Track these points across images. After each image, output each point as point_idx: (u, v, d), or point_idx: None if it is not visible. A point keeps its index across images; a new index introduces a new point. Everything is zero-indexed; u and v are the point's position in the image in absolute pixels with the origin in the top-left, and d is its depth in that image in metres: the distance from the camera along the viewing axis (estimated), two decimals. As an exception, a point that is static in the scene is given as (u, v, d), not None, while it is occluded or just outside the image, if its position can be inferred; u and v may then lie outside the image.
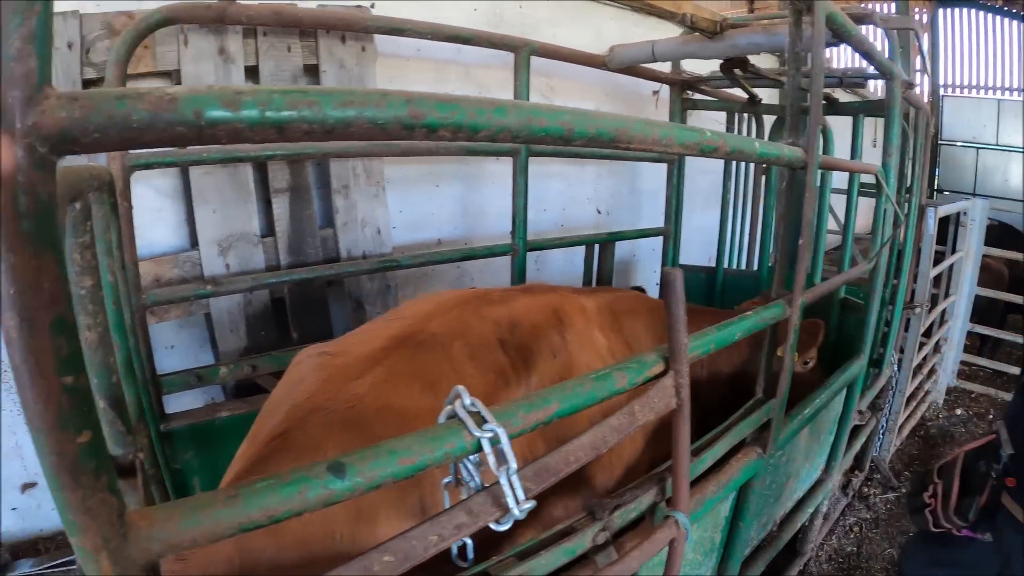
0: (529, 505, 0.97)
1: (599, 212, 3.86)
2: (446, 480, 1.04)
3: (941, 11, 10.60)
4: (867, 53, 1.92)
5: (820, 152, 1.67)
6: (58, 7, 2.21)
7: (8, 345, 0.55)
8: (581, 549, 1.30)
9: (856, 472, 3.46)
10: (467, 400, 0.94)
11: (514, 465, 0.94)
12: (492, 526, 0.98)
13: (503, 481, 0.95)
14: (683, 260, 3.45)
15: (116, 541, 0.65)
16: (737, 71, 2.65)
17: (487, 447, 0.92)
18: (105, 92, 0.58)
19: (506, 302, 1.78)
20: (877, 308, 2.53)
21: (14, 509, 2.59)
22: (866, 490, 3.57)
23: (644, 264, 4.22)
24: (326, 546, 1.19)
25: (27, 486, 2.59)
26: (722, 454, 1.73)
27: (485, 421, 0.93)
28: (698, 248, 3.52)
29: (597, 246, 3.20)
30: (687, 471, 1.37)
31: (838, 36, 1.73)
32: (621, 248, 3.32)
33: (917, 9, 9.66)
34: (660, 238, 3.42)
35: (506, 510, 0.96)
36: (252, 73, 2.47)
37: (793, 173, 1.69)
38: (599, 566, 1.32)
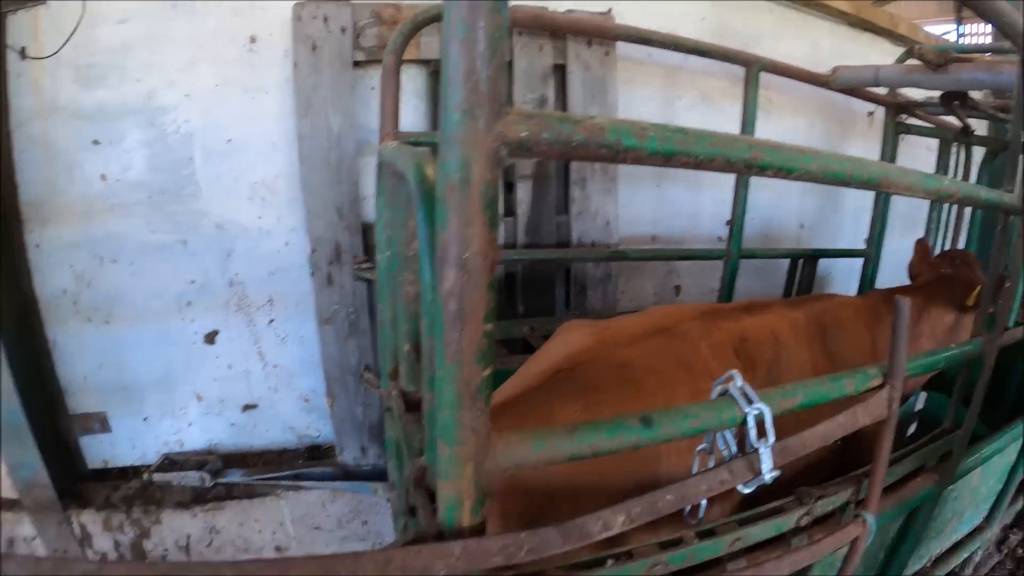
0: (775, 474, 1.24)
1: (801, 227, 4.03)
2: (700, 447, 1.33)
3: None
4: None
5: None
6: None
7: (450, 295, 0.77)
8: (786, 527, 1.52)
9: (1015, 530, 3.44)
10: (739, 383, 1.22)
11: (773, 439, 1.22)
12: (740, 488, 1.24)
13: (763, 451, 1.22)
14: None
15: (483, 455, 0.89)
16: (956, 103, 2.76)
17: (751, 422, 1.19)
18: (551, 115, 0.79)
19: (736, 319, 2.07)
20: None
21: (232, 425, 3.15)
22: (1021, 551, 3.54)
23: (837, 282, 4.34)
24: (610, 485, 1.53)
25: (248, 407, 3.13)
26: (902, 474, 1.91)
27: (751, 401, 1.20)
28: (889, 271, 3.63)
29: (801, 260, 3.44)
30: (883, 476, 1.55)
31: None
32: (819, 264, 3.51)
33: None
34: (852, 258, 3.59)
35: (758, 474, 1.23)
36: (506, 68, 2.78)
37: (1008, 219, 1.80)
38: (791, 547, 1.55)
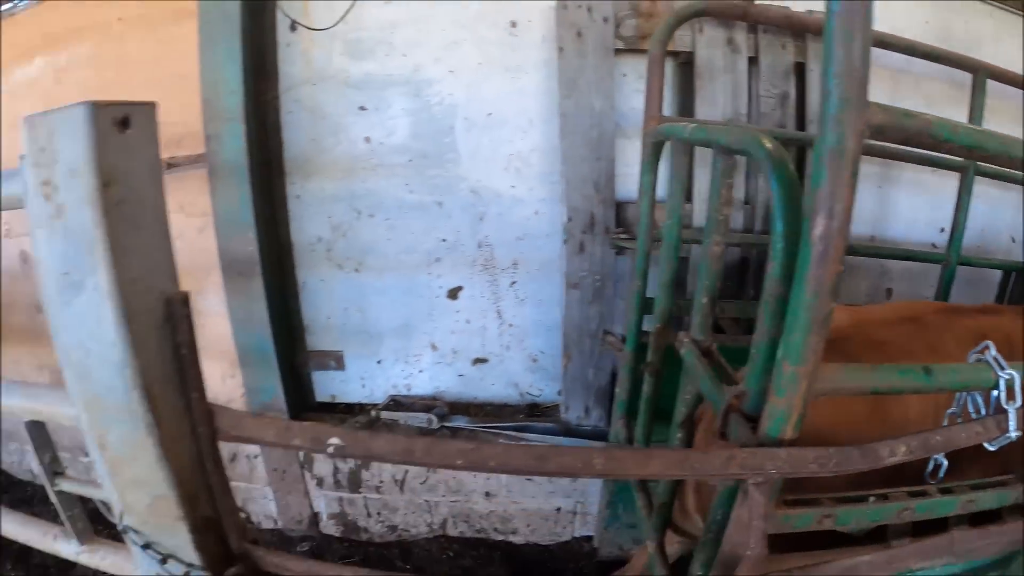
0: (1019, 433, 1.44)
1: (1013, 241, 4.01)
2: (950, 411, 1.56)
3: None
4: None
5: None
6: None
7: (819, 238, 1.02)
8: (1008, 501, 1.69)
9: None
10: (993, 351, 1.43)
11: (1020, 402, 1.42)
12: (987, 445, 1.44)
13: (1011, 412, 1.43)
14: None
15: (815, 375, 1.16)
16: None
17: (1002, 385, 1.40)
18: (898, 109, 1.05)
19: (974, 317, 2.22)
20: None
21: (461, 376, 3.57)
22: None
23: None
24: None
25: (478, 360, 3.54)
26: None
27: (1003, 368, 1.41)
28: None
29: (1014, 273, 3.50)
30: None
31: None
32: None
33: None
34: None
35: (1004, 432, 1.44)
36: (752, 63, 3.05)
37: None
38: (1006, 520, 1.73)
